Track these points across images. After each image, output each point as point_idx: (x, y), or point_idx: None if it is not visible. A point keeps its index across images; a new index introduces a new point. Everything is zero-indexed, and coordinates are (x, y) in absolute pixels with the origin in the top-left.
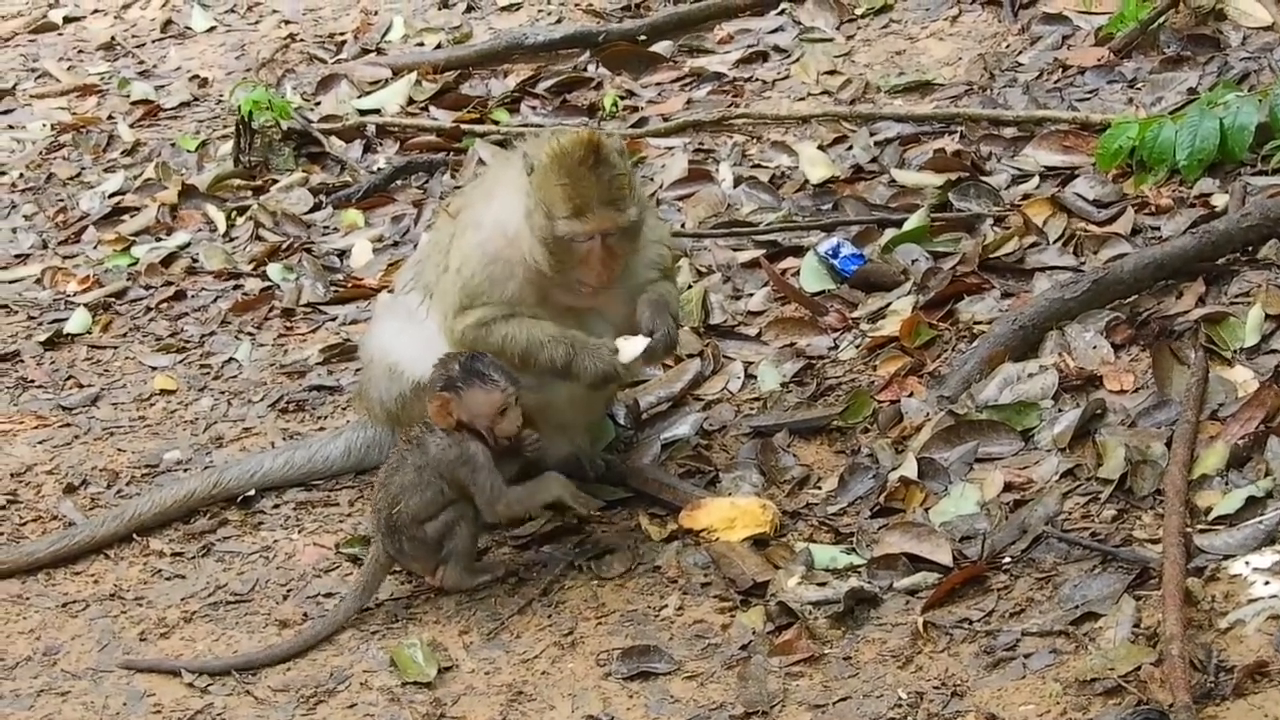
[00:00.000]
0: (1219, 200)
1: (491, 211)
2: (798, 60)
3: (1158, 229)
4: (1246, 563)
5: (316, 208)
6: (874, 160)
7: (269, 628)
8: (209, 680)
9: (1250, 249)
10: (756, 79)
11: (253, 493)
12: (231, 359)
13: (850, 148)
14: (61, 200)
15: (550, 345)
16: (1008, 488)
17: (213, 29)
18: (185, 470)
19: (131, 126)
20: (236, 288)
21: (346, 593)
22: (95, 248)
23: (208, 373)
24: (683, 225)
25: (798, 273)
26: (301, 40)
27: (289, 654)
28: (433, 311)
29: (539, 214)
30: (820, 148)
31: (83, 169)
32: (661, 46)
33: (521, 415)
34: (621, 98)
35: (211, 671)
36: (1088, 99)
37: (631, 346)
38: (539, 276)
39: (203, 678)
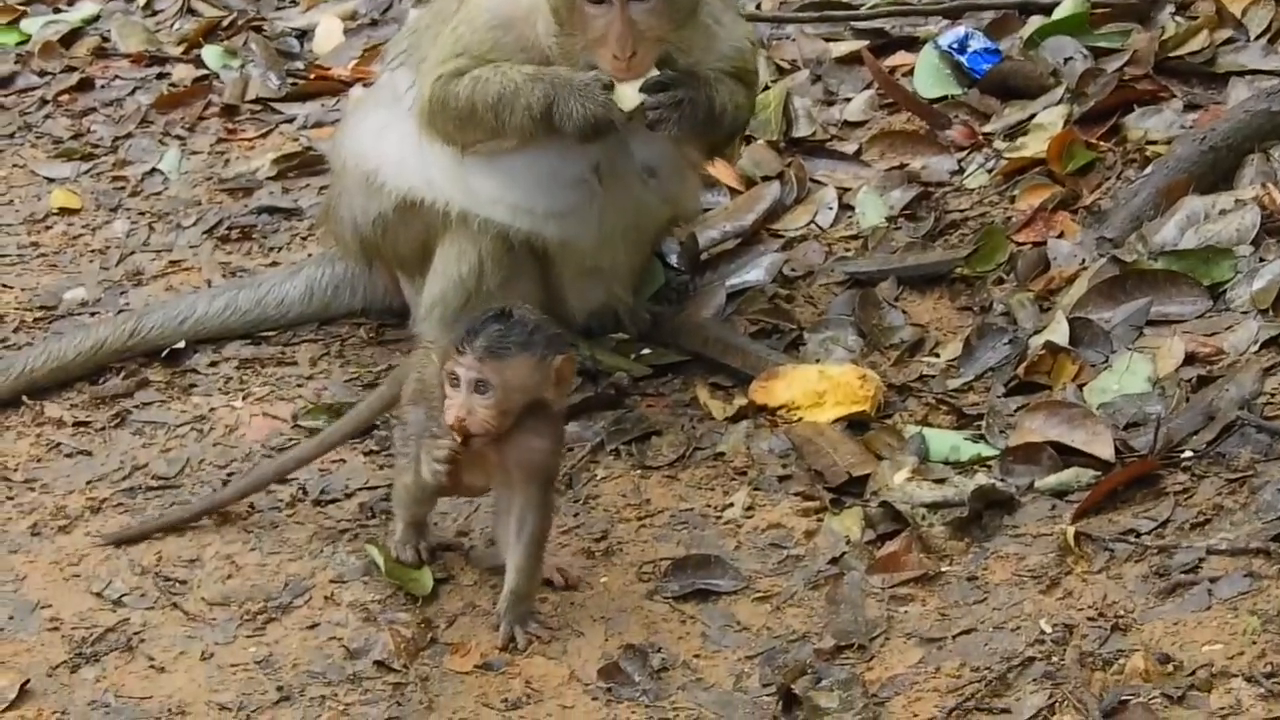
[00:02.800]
0: None
1: None
2: None
3: None
4: None
5: None
6: None
7: (203, 521)
8: (122, 590)
9: None
10: None
11: (182, 345)
12: (154, 170)
13: None
14: None
15: (525, 87)
16: (1190, 360)
17: None
18: (92, 315)
19: None
20: (161, 76)
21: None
22: None
23: (122, 187)
24: (757, 5)
25: (911, 72)
26: None
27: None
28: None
29: None
30: None
31: None
32: None
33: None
34: None
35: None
36: None
37: (629, 90)
38: (548, 57)
39: (111, 586)
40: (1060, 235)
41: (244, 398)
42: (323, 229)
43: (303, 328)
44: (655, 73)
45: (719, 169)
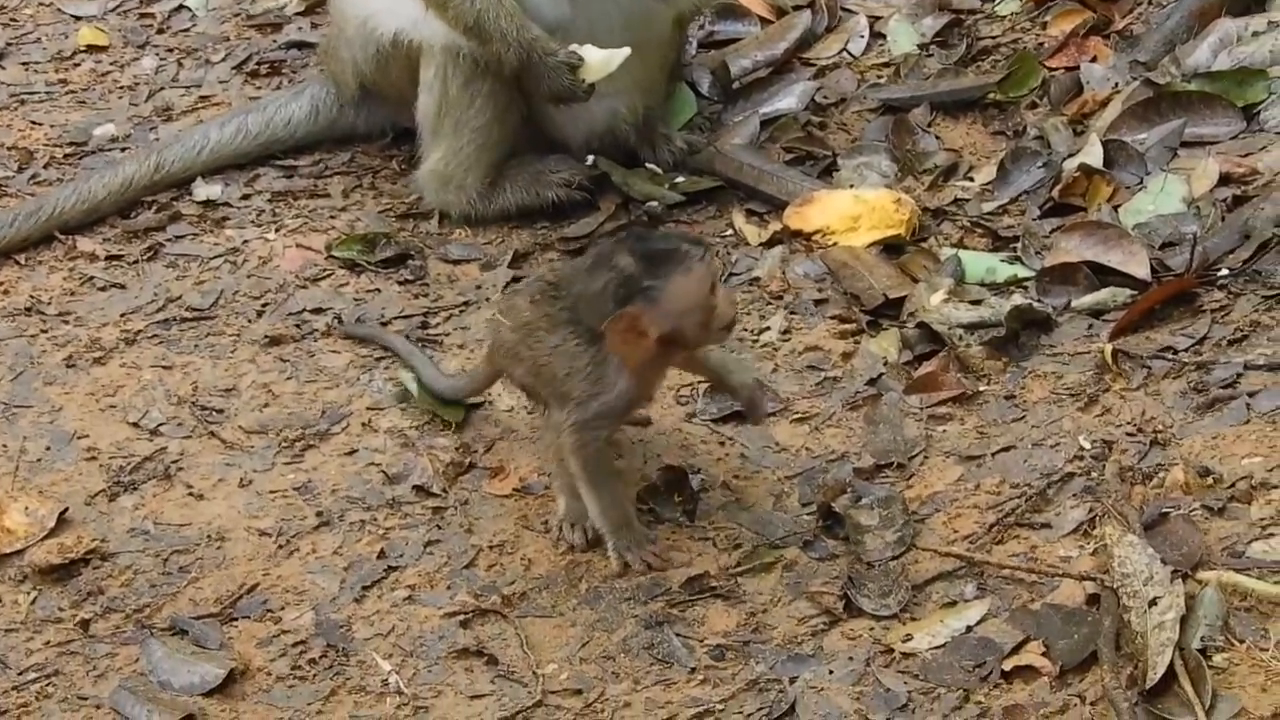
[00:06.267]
0: None
1: None
2: None
3: None
4: None
5: None
6: None
7: (239, 351)
8: (158, 419)
9: None
10: None
11: (202, 181)
12: (181, 7)
13: None
14: None
15: (500, 44)
16: (1225, 180)
17: None
18: (123, 150)
19: None
20: None
21: None
22: None
23: (149, 24)
24: None
25: None
26: None
27: None
28: None
29: None
30: None
31: None
32: None
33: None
34: None
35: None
36: None
37: (600, 58)
38: None
39: (148, 416)
40: (1093, 60)
41: (276, 229)
42: (324, 64)
43: (333, 160)
44: (618, 55)
45: None
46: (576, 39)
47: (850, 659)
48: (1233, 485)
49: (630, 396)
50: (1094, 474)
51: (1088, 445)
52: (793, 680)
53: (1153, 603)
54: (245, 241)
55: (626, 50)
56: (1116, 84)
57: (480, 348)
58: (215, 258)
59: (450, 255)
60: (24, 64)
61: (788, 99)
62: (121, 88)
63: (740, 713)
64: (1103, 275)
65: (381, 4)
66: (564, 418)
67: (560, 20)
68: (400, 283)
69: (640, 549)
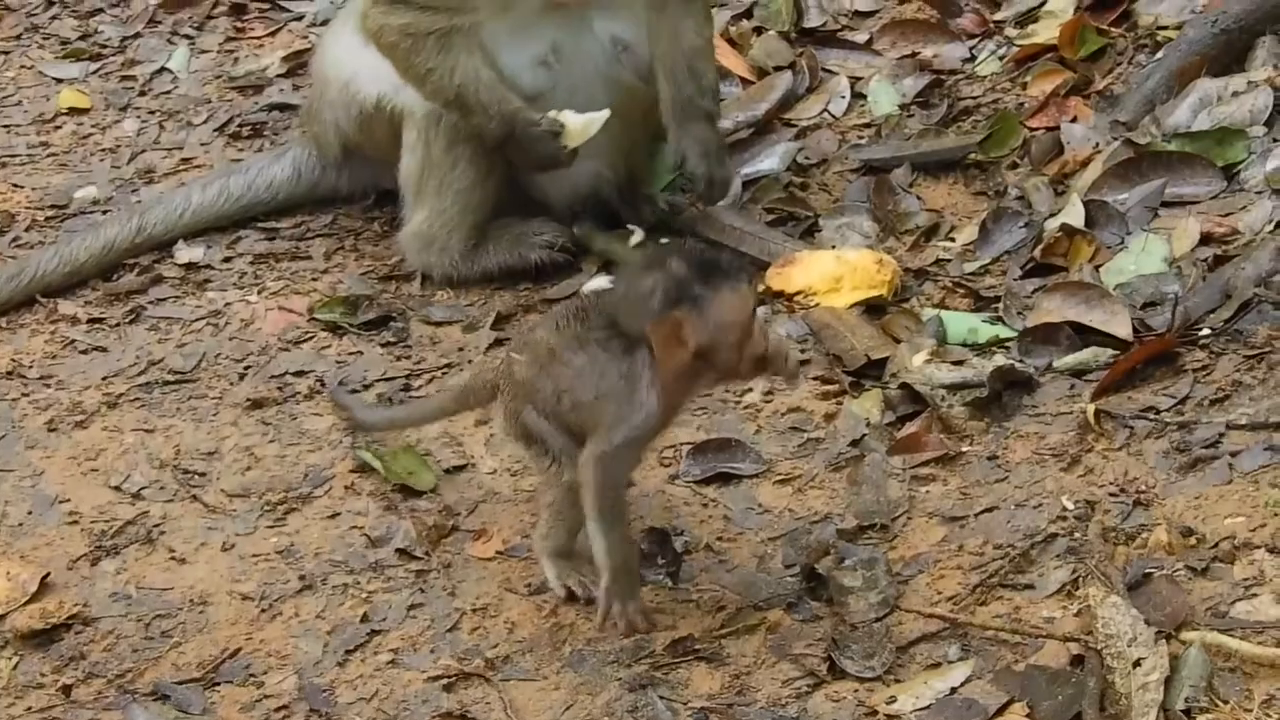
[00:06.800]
0: None
1: None
2: None
3: None
4: None
5: None
6: None
7: (221, 414)
8: (140, 483)
9: None
10: None
11: (184, 244)
12: (163, 69)
13: None
14: None
15: (482, 116)
16: (1206, 239)
17: None
18: (104, 213)
19: None
20: None
21: None
22: None
23: (131, 87)
24: None
25: None
26: None
27: None
28: None
29: None
30: None
31: None
32: None
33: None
34: None
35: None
36: None
37: (580, 122)
38: None
39: (130, 480)
40: (1073, 120)
41: (259, 292)
42: (306, 127)
43: (315, 222)
44: (598, 119)
45: (730, 60)
46: (556, 106)
47: None
48: (1216, 545)
49: (655, 422)
50: (1077, 534)
51: (1071, 506)
52: None
53: (1137, 663)
54: (227, 304)
55: (606, 112)
56: (1097, 144)
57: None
58: (197, 320)
59: (433, 317)
60: (5, 126)
61: (769, 160)
62: (103, 150)
63: None
64: (1085, 335)
65: (363, 67)
66: (589, 451)
67: (539, 88)
68: (383, 345)
69: (629, 602)
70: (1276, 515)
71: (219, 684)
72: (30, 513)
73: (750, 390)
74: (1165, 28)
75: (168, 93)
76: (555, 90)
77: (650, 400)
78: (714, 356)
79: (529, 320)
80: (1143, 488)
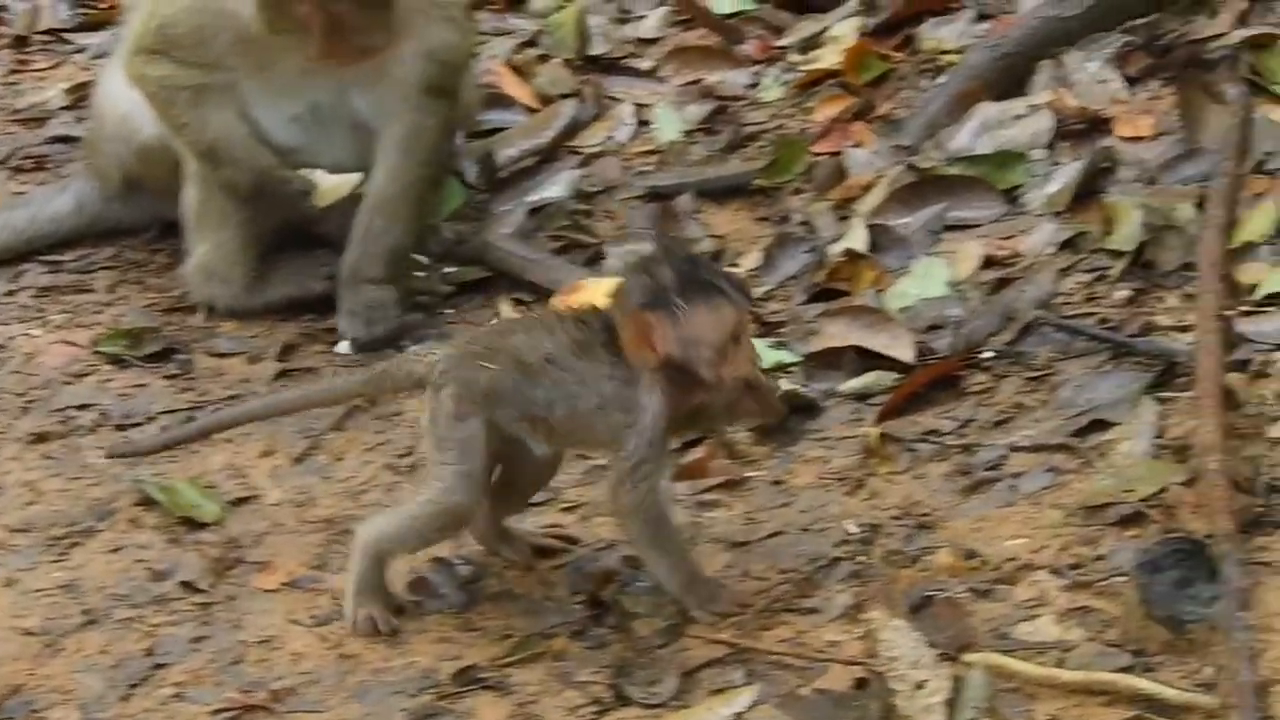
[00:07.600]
0: None
1: None
2: None
3: None
4: None
5: None
6: None
7: (2, 449)
8: None
9: None
10: None
11: None
12: None
13: None
14: None
15: (232, 169)
16: (988, 263)
17: None
18: None
19: None
20: None
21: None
22: None
23: None
24: None
25: None
26: None
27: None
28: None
29: None
30: None
31: None
32: None
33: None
34: None
35: None
36: None
37: (332, 183)
38: (255, 36)
39: None
40: (857, 145)
41: (42, 325)
42: (87, 164)
43: (99, 254)
44: (349, 180)
45: (515, 88)
46: (309, 163)
47: None
48: (998, 567)
49: (664, 422)
50: (860, 558)
51: (855, 529)
52: None
53: (920, 686)
54: (10, 338)
55: (359, 176)
56: (880, 168)
57: (245, 440)
58: None
59: (217, 349)
60: None
61: (554, 187)
62: None
63: None
64: (868, 359)
65: (141, 101)
66: (612, 478)
67: (293, 145)
68: (166, 377)
69: (719, 600)
70: (1058, 536)
71: None
72: None
73: None
74: (948, 52)
75: None
76: (309, 147)
77: (653, 400)
78: (689, 370)
79: (314, 351)
80: (925, 510)
